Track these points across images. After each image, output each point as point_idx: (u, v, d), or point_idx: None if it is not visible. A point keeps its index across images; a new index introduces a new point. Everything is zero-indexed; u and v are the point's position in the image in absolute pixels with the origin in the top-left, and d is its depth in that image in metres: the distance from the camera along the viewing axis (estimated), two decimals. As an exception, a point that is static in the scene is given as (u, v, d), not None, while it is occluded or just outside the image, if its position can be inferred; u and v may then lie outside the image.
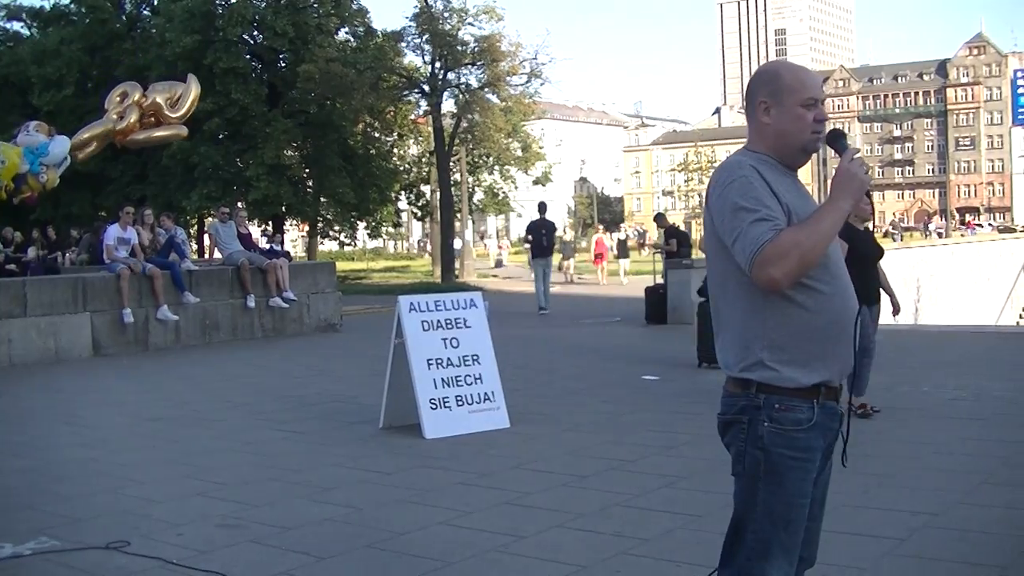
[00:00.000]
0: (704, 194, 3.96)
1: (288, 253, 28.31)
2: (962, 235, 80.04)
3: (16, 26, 55.02)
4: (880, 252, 11.29)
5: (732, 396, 3.94)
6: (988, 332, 24.88)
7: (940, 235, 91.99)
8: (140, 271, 18.89)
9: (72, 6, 50.76)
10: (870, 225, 11.67)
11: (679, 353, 17.25)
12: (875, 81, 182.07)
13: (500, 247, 73.95)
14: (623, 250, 46.94)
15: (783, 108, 3.94)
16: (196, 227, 52.06)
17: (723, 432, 4.01)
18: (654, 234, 44.61)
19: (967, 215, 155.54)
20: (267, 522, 7.46)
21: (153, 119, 8.52)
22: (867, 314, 10.91)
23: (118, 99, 8.36)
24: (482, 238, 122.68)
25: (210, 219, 37.68)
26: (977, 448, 9.41)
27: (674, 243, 24.94)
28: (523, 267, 55.02)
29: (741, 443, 3.90)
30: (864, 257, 10.71)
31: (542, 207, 28.68)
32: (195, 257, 30.46)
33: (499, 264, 65.33)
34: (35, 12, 53.76)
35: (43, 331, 17.88)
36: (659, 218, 28.71)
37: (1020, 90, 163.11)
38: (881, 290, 11.31)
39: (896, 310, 11.48)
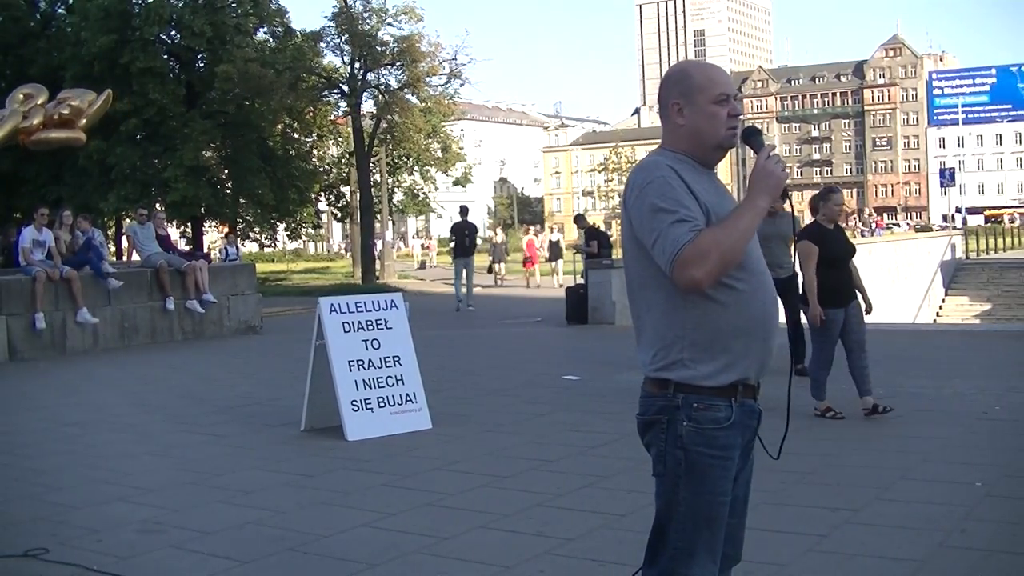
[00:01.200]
0: (622, 195, 3.95)
1: (207, 254, 28.13)
2: (861, 235, 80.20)
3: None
4: (852, 250, 11.09)
5: (651, 396, 3.97)
6: (905, 330, 25.16)
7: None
8: (59, 276, 18.59)
9: (-17, 4, 49.91)
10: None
11: (600, 353, 17.33)
12: (793, 82, 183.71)
13: (426, 247, 72.20)
14: (556, 252, 46.13)
15: (696, 107, 3.98)
16: (114, 229, 51.49)
17: (643, 432, 4.04)
18: (573, 235, 44.26)
19: (884, 214, 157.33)
20: (188, 527, 7.40)
21: (57, 118, 8.38)
22: (843, 314, 10.74)
23: (21, 97, 8.22)
24: (402, 239, 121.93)
25: (128, 221, 37.32)
26: (894, 445, 9.51)
27: (595, 244, 25.02)
28: (447, 268, 55.04)
29: (661, 443, 3.93)
30: (834, 258, 10.67)
31: (463, 210, 30.16)
32: (113, 259, 30.17)
33: (423, 266, 64.36)
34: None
35: (-43, 335, 17.62)
36: (579, 219, 28.83)
37: (935, 91, 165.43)
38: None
39: (868, 309, 11.23)
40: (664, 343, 3.92)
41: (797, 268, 11.33)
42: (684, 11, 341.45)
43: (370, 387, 10.60)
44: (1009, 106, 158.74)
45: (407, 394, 10.85)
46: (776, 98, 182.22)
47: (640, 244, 3.90)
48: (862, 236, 71.97)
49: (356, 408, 10.44)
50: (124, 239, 48.17)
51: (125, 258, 24.54)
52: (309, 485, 8.62)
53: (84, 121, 8.55)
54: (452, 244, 30.92)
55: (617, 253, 25.59)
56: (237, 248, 30.54)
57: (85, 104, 8.54)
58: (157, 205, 40.68)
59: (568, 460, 9.20)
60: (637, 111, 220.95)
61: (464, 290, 29.63)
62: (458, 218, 30.18)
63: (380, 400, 10.63)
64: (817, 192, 11.18)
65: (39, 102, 8.30)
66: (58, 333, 18.68)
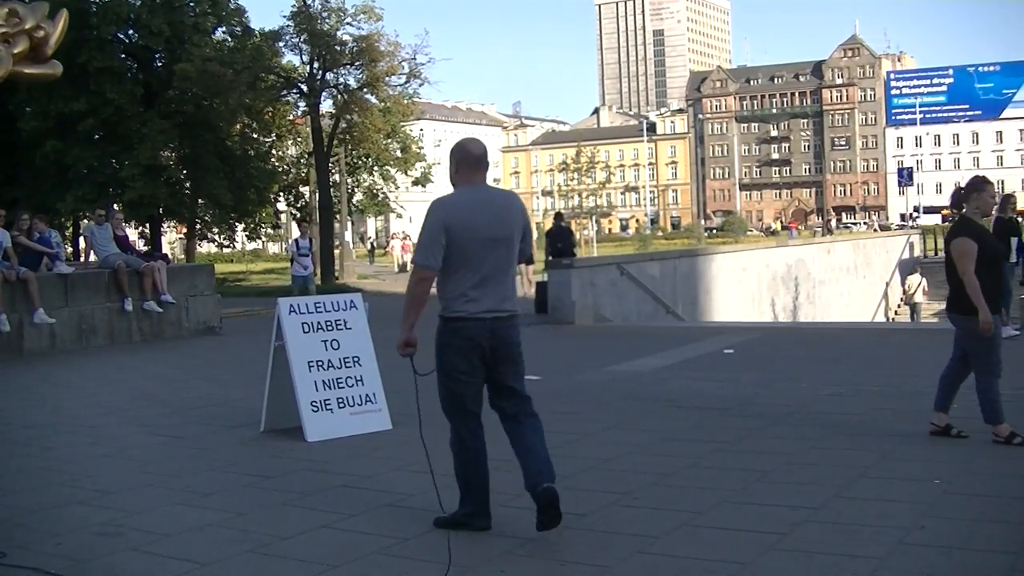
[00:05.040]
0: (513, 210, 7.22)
1: (165, 255, 28.00)
2: (765, 236, 79.01)
3: None
4: (1004, 250, 10.01)
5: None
6: (864, 329, 25.29)
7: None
8: (15, 277, 18.38)
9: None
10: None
11: (560, 353, 17.31)
12: (752, 82, 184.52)
13: (404, 247, 67.68)
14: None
15: None
16: (71, 230, 51.08)
17: (516, 343, 7.59)
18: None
19: (843, 214, 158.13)
20: (147, 529, 7.35)
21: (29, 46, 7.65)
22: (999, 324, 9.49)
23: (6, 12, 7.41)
24: (362, 239, 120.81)
25: (85, 221, 37.03)
26: (853, 443, 9.54)
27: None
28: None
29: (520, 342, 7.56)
30: (994, 257, 9.53)
31: None
32: (70, 260, 29.90)
33: (403, 269, 59.33)
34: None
35: (-87, 338, 17.45)
36: (558, 217, 29.69)
37: (893, 91, 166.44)
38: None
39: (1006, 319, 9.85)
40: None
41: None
42: (643, 11, 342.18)
43: (330, 388, 10.56)
44: (966, 106, 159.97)
45: (367, 394, 10.81)
46: (735, 98, 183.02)
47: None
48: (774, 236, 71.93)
49: (316, 409, 10.40)
50: (81, 240, 47.88)
51: (83, 259, 24.25)
52: (269, 486, 8.58)
53: (51, 48, 7.82)
54: None
55: (580, 253, 25.81)
56: (310, 240, 29.07)
57: (49, 27, 7.85)
58: (114, 205, 40.45)
59: (528, 460, 9.17)
60: (596, 111, 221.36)
61: None
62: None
63: (340, 401, 10.60)
64: (964, 185, 9.83)
65: (27, 26, 7.47)
66: (15, 335, 18.47)
